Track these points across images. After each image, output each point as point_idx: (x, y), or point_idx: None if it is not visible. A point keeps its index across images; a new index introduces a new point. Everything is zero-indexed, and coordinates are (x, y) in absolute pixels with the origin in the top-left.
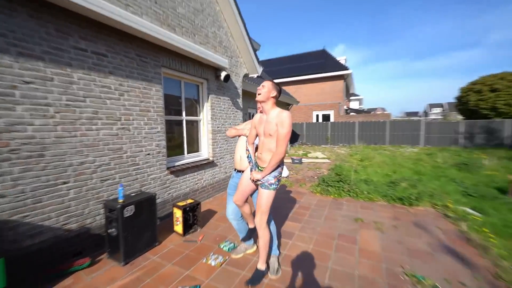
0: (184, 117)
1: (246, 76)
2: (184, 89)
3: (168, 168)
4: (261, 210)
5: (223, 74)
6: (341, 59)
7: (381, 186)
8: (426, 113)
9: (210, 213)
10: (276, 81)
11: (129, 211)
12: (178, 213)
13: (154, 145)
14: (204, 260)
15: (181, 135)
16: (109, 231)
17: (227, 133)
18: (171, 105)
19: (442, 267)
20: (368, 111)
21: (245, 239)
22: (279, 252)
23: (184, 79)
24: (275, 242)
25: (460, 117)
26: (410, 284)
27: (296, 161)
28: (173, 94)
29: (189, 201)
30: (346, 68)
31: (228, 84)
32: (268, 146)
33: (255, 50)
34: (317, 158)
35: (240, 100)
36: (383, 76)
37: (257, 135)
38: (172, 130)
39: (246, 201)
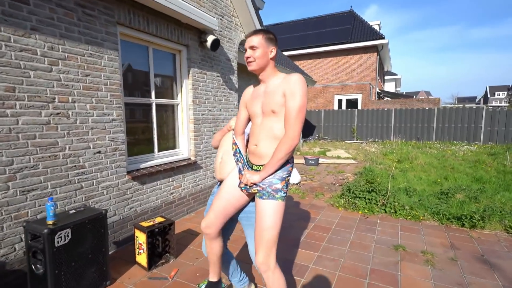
0: (153, 99)
1: (243, 43)
2: (154, 60)
3: (129, 173)
4: (266, 239)
5: (210, 38)
6: (374, 24)
7: (428, 198)
8: (486, 99)
9: (190, 235)
10: (286, 53)
11: (63, 237)
12: (141, 238)
13: (108, 140)
14: None
15: (150, 126)
16: (33, 267)
17: (212, 143)
18: (135, 82)
19: None
20: (408, 96)
21: (235, 277)
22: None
23: (153, 44)
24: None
25: None
26: None
27: (311, 161)
28: (137, 66)
29: (158, 219)
30: (381, 37)
31: (218, 54)
32: (269, 131)
33: (257, 9)
34: (339, 157)
35: (235, 77)
36: (428, 49)
37: (249, 120)
38: (136, 119)
39: (220, 229)
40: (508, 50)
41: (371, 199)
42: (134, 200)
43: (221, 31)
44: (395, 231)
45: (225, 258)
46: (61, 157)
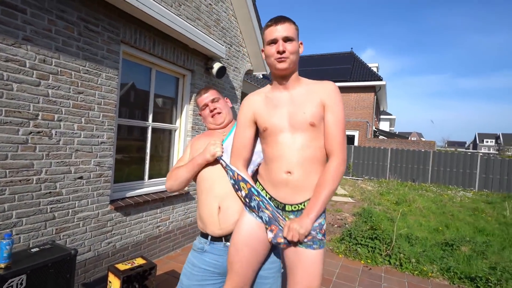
0: (150, 123)
1: (248, 73)
2: (156, 82)
3: (112, 202)
4: None
5: (216, 66)
6: (373, 66)
7: (432, 248)
8: (475, 145)
9: (172, 278)
10: None
11: (14, 286)
12: (114, 284)
13: (93, 164)
14: None
15: (143, 151)
16: None
17: (171, 185)
18: (132, 103)
19: None
20: (402, 136)
21: None
22: None
23: (157, 66)
24: None
25: None
26: None
27: None
28: (137, 87)
29: (138, 261)
30: (379, 78)
31: (223, 82)
32: (309, 151)
33: None
34: (336, 195)
35: (237, 106)
36: (420, 93)
37: (255, 141)
38: (129, 142)
39: None
40: (495, 100)
41: (375, 247)
42: (114, 233)
43: (228, 59)
44: None
45: None
46: (34, 181)
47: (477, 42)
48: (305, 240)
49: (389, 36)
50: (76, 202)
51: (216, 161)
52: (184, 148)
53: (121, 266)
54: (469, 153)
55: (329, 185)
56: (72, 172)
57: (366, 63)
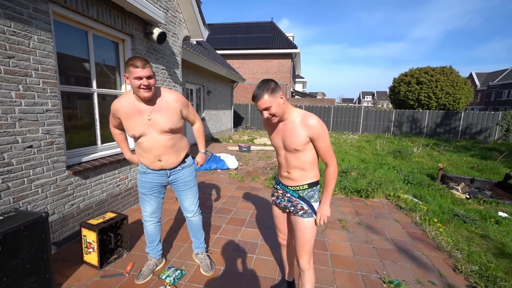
0: (95, 89)
1: (186, 39)
2: (95, 47)
3: (69, 167)
4: (307, 247)
5: (156, 31)
6: (290, 36)
7: None
8: (360, 101)
9: (140, 226)
10: (218, 52)
11: None
12: (90, 237)
13: (42, 132)
14: None
15: (91, 117)
16: None
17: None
18: (72, 69)
19: (410, 266)
20: (312, 95)
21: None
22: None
23: (93, 29)
24: (202, 236)
25: (385, 106)
26: None
27: (244, 149)
28: (74, 52)
29: (109, 215)
30: (295, 47)
31: (163, 48)
32: (295, 163)
33: (199, 5)
34: (265, 145)
35: (179, 71)
36: (323, 60)
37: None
38: (75, 109)
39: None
40: (373, 66)
41: None
42: (76, 196)
43: (166, 25)
44: None
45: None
46: None
47: (360, 17)
48: (300, 212)
49: (300, 7)
50: (30, 170)
51: (147, 125)
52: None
53: (94, 221)
54: (356, 106)
55: (330, 185)
56: (20, 141)
57: (284, 32)
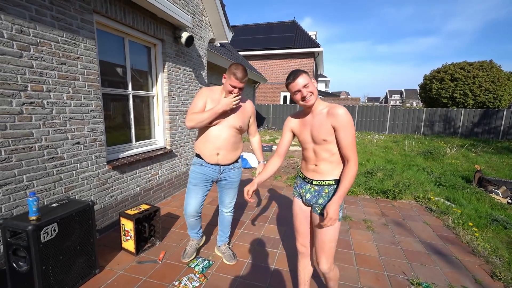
0: (130, 91)
1: (211, 42)
2: (130, 52)
3: (109, 162)
4: (328, 248)
5: (184, 35)
6: (312, 34)
7: (358, 177)
8: (386, 99)
9: (170, 219)
10: (240, 53)
11: (49, 232)
12: (128, 225)
13: (87, 130)
14: (176, 283)
15: (127, 116)
16: (14, 265)
17: (189, 125)
18: (110, 73)
19: (441, 269)
20: (335, 95)
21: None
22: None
23: (129, 36)
24: (229, 231)
25: (415, 104)
26: None
27: (266, 148)
28: (114, 57)
29: (144, 206)
30: (317, 45)
31: (190, 51)
32: (324, 155)
33: (223, 8)
34: None
35: (205, 73)
36: (346, 58)
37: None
38: (113, 110)
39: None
40: (400, 63)
41: None
42: (114, 188)
43: (193, 28)
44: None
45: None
46: (36, 148)
47: (388, 13)
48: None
49: (323, 6)
50: (78, 164)
51: (224, 116)
52: (198, 95)
53: (130, 212)
54: (382, 106)
55: (348, 181)
56: (70, 138)
57: (306, 31)
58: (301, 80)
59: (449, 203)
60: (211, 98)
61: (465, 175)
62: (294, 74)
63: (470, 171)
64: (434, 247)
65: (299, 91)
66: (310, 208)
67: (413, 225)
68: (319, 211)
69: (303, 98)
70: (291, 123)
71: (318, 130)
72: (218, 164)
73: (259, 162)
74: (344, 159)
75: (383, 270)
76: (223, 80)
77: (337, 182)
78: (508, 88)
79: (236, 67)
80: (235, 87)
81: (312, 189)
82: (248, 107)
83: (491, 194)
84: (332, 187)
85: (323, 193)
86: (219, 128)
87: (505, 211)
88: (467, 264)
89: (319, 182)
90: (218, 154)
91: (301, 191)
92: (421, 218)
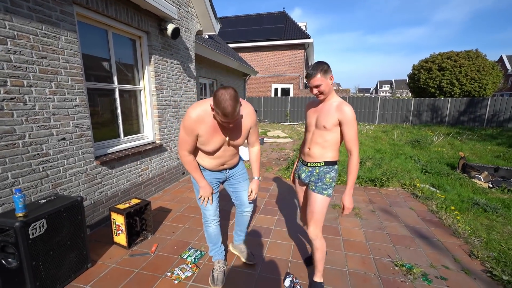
0: (116, 85)
1: (198, 34)
2: (114, 45)
3: (97, 158)
4: (315, 218)
5: (170, 27)
6: (302, 25)
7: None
8: (377, 90)
9: (162, 212)
10: (230, 45)
11: (38, 228)
12: (119, 220)
13: (72, 126)
14: (169, 274)
15: (114, 111)
16: (3, 261)
17: (180, 158)
18: (95, 67)
19: (423, 251)
20: None
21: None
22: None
23: (113, 28)
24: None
25: (404, 94)
26: (401, 274)
27: None
28: (96, 51)
29: (134, 201)
30: (307, 36)
31: (177, 43)
32: (318, 139)
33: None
34: (278, 137)
35: (192, 66)
36: (337, 49)
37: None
38: (99, 104)
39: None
40: (390, 54)
41: None
42: (104, 184)
43: (179, 20)
44: None
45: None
46: (20, 145)
47: (377, 3)
48: (313, 187)
49: None
50: (65, 160)
51: (223, 135)
52: (185, 128)
53: (121, 206)
54: (372, 96)
55: (354, 173)
56: (55, 134)
57: (296, 22)
58: (314, 81)
59: (434, 189)
60: (203, 126)
61: (450, 162)
62: (310, 73)
63: (455, 158)
64: (418, 231)
65: (311, 88)
66: (306, 186)
67: (399, 211)
68: (312, 187)
69: (315, 94)
70: (308, 107)
71: (324, 117)
72: (224, 169)
73: (253, 178)
74: (347, 150)
75: (369, 254)
76: (214, 112)
77: (326, 163)
78: (492, 77)
79: (223, 101)
80: (229, 123)
81: (307, 170)
82: (247, 121)
83: (473, 180)
84: (321, 168)
85: (314, 173)
86: (221, 150)
87: (486, 195)
88: (448, 245)
89: (311, 164)
90: (223, 165)
91: (299, 172)
92: (407, 204)
